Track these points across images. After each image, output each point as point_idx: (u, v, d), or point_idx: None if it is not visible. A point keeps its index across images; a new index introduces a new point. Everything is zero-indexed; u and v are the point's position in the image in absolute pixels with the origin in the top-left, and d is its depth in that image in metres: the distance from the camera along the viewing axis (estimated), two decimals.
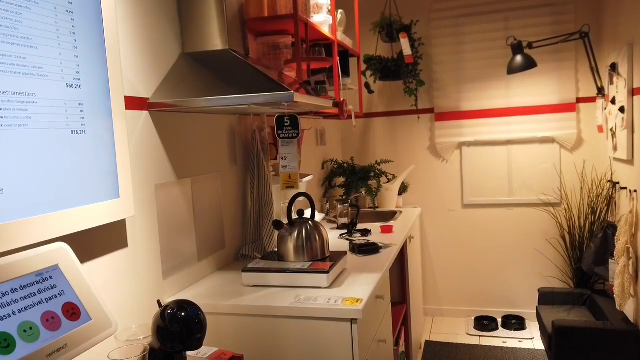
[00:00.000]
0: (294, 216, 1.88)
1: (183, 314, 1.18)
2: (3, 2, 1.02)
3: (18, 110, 1.05)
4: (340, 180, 3.57)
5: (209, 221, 1.94)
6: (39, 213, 1.10)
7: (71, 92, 1.20)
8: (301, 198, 2.14)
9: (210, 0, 1.71)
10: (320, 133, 3.43)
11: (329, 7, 2.58)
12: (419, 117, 3.78)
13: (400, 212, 3.31)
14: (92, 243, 1.33)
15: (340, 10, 3.03)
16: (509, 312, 3.69)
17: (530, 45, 3.11)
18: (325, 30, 2.55)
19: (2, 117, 1.01)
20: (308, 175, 2.54)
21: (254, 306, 1.55)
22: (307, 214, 2.14)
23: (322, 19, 2.52)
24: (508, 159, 3.61)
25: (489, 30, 3.53)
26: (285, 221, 1.86)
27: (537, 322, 3.47)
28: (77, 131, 1.21)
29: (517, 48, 3.09)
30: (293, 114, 1.77)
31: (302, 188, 2.52)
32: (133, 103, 1.51)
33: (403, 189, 3.66)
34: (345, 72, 3.04)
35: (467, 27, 3.57)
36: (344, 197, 3.14)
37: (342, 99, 2.00)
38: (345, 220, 2.82)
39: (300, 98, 1.49)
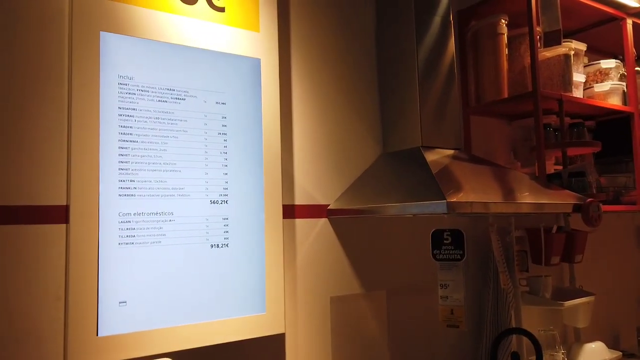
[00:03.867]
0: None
1: None
2: (149, 135, 1.18)
3: (152, 228, 1.17)
4: None
5: (412, 338, 1.65)
6: (162, 325, 1.16)
7: (215, 208, 1.26)
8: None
9: (407, 99, 1.54)
10: None
11: (621, 72, 1.93)
12: None
13: None
14: (241, 356, 1.32)
15: None
16: None
17: None
18: (615, 101, 1.91)
19: (134, 236, 1.14)
20: (586, 294, 1.86)
21: None
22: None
23: (607, 88, 1.90)
24: None
25: None
26: None
27: None
28: (217, 245, 1.25)
29: None
30: (458, 228, 1.34)
31: (580, 317, 1.86)
32: (306, 211, 1.47)
33: None
34: None
35: None
36: None
37: (589, 200, 1.39)
38: None
39: (464, 207, 1.11)
